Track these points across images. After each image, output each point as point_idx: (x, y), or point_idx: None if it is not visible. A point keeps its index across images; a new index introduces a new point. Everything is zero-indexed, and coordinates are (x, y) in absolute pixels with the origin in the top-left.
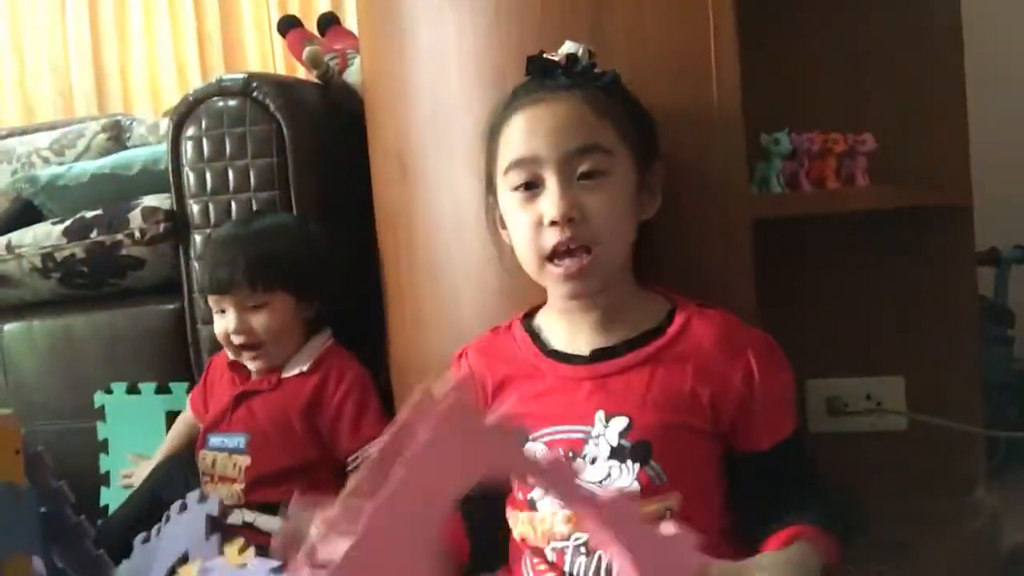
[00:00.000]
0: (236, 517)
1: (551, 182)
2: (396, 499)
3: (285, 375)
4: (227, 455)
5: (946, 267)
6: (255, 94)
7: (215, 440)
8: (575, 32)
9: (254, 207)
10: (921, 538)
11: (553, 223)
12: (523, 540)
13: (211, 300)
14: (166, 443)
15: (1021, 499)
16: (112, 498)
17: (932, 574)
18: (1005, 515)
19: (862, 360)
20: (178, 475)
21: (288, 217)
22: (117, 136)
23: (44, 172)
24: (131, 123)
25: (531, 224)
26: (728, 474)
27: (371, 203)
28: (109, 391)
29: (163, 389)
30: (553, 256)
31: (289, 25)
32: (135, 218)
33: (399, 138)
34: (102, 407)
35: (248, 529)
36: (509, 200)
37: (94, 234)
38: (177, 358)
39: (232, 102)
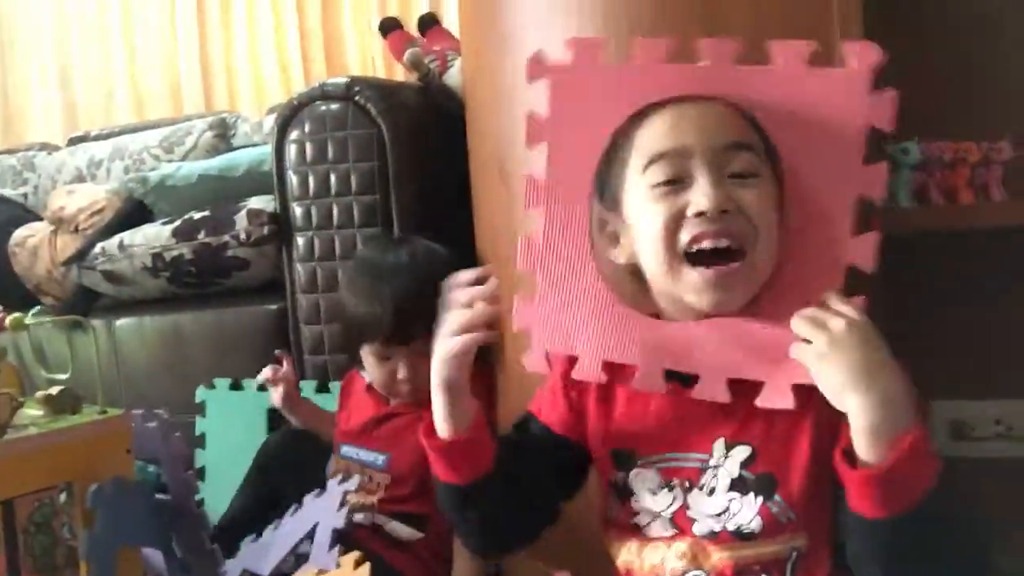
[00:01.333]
0: (366, 518)
1: (701, 174)
2: None
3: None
4: (361, 468)
5: None
6: (357, 98)
7: (350, 451)
8: None
9: (355, 211)
10: None
11: (700, 214)
12: (628, 572)
13: (374, 348)
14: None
15: None
16: (207, 492)
17: None
18: None
19: (991, 382)
20: (290, 463)
21: (438, 249)
22: (223, 134)
23: (154, 173)
24: (236, 121)
25: (669, 217)
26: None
27: (464, 208)
28: (212, 386)
29: (265, 387)
30: (696, 259)
31: (390, 27)
32: (240, 220)
33: (500, 145)
34: (203, 402)
35: (374, 532)
36: (645, 198)
37: (201, 235)
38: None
39: (335, 106)
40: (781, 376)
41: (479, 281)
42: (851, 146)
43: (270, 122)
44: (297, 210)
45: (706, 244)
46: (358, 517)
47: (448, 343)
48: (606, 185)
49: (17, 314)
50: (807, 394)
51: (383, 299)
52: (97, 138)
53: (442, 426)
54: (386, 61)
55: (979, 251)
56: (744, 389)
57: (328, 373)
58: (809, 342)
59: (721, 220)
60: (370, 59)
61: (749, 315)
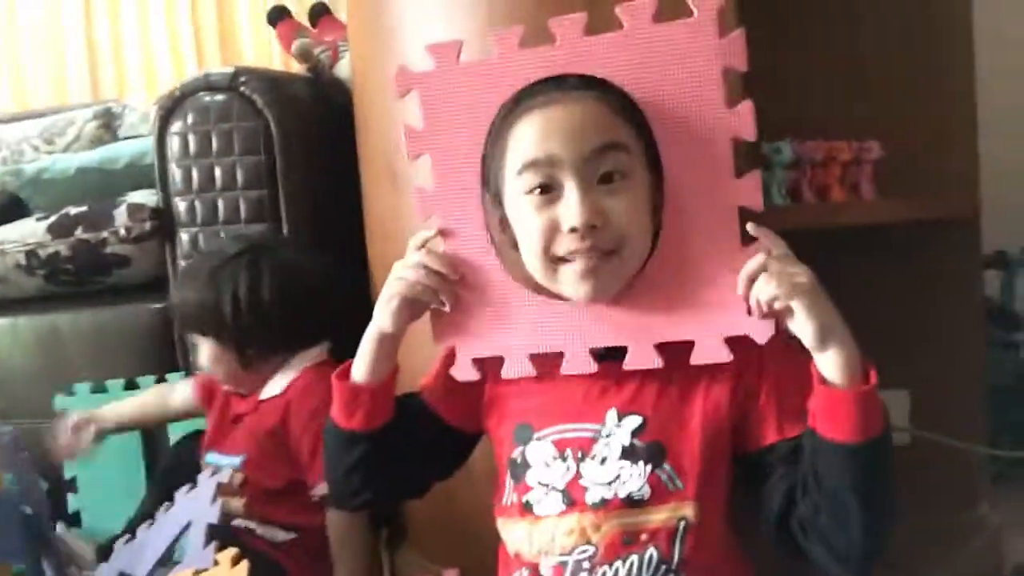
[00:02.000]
0: (237, 523)
1: (570, 186)
2: None
3: (261, 397)
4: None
5: (951, 280)
6: (243, 89)
7: (212, 458)
8: None
9: (241, 206)
10: (924, 554)
11: (573, 230)
12: (517, 556)
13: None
14: (129, 407)
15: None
16: (82, 504)
17: None
18: (1009, 531)
19: None
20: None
21: (205, 262)
22: (108, 124)
23: (29, 166)
24: (123, 110)
25: (545, 229)
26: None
27: (355, 203)
28: (72, 392)
29: (132, 385)
30: (567, 256)
31: (279, 16)
32: (120, 215)
33: (389, 143)
34: (64, 411)
35: (248, 533)
36: (521, 203)
37: (79, 232)
38: (164, 356)
39: (219, 97)
40: (710, 332)
41: None
42: (713, 89)
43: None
44: (181, 205)
45: (578, 259)
46: (236, 522)
47: (386, 288)
48: (490, 184)
49: None
50: (734, 344)
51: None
52: None
53: (359, 369)
54: (283, 56)
55: (850, 243)
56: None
57: None
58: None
59: (590, 235)
60: (266, 45)
61: (656, 282)
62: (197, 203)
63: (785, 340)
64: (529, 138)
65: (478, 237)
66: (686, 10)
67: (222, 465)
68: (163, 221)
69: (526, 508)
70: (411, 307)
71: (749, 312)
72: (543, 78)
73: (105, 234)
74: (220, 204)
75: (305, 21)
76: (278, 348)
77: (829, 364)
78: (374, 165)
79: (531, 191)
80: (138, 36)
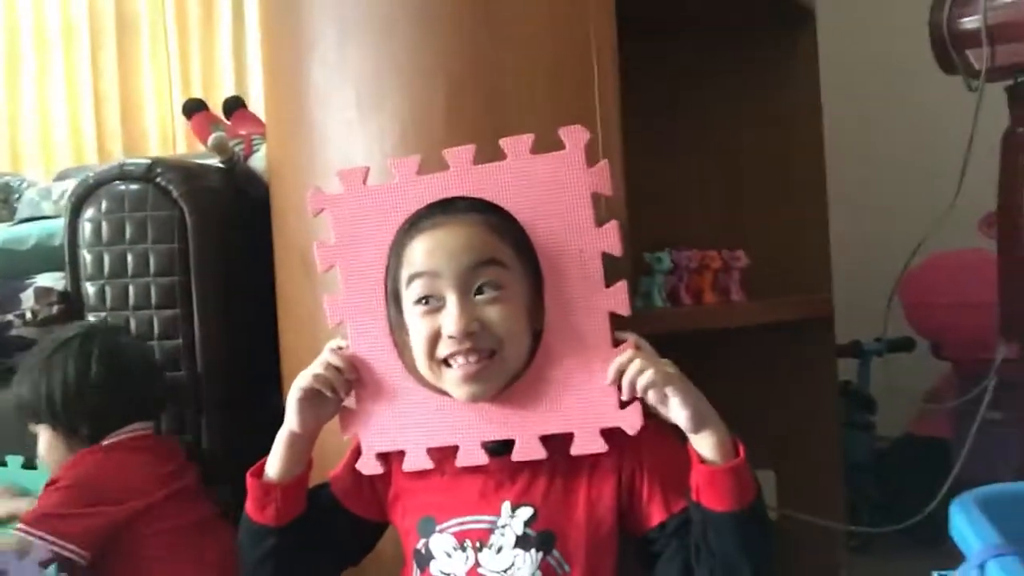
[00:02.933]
0: None
1: (450, 298)
2: None
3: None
4: None
5: (810, 370)
6: (158, 180)
7: None
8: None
9: (152, 292)
10: None
11: (451, 337)
12: None
13: None
14: None
15: None
16: None
17: None
18: None
19: None
20: None
21: (45, 347)
22: (6, 199)
23: None
24: (21, 184)
25: (429, 336)
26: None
27: (270, 291)
28: (3, 463)
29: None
30: (449, 359)
31: (195, 108)
32: (27, 298)
33: (304, 235)
34: None
35: None
36: (412, 312)
37: None
38: None
39: (134, 186)
40: (587, 424)
41: None
42: (583, 211)
43: (59, 188)
44: (90, 289)
45: (458, 360)
46: None
47: (294, 385)
48: (391, 293)
49: None
50: (610, 436)
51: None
52: None
53: (272, 467)
54: (187, 134)
55: (721, 343)
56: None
57: None
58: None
59: (468, 340)
60: (169, 127)
61: (537, 380)
62: (107, 288)
63: (656, 424)
64: (418, 254)
65: (382, 340)
66: (560, 143)
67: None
68: (70, 305)
69: None
70: (313, 403)
71: (621, 405)
72: (437, 201)
73: (10, 317)
74: (131, 289)
75: (219, 113)
76: (108, 429)
77: (705, 444)
78: (289, 255)
79: (418, 301)
80: (36, 109)
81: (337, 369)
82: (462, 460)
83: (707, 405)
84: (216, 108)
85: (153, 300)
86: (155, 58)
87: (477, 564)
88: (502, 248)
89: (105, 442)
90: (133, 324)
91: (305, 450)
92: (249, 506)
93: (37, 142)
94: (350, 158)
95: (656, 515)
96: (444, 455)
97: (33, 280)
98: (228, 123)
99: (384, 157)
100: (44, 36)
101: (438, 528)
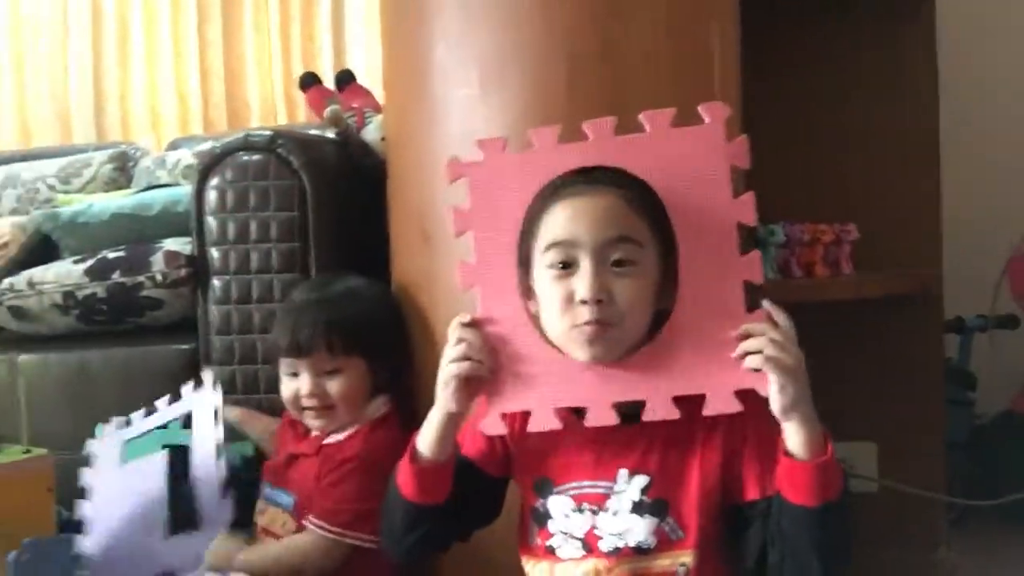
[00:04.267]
0: None
1: (585, 264)
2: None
3: (326, 441)
4: (278, 510)
5: (916, 343)
6: (280, 151)
7: (268, 492)
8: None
9: (274, 257)
10: None
11: (583, 301)
12: None
13: (284, 363)
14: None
15: (977, 553)
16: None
17: None
18: (965, 572)
19: (836, 427)
20: None
21: (361, 281)
22: (123, 167)
23: (65, 209)
24: (136, 152)
25: (563, 299)
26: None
27: (387, 261)
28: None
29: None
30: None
31: (310, 82)
32: (157, 262)
33: (422, 203)
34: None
35: None
36: (544, 276)
37: (116, 275)
38: None
39: (257, 157)
40: (721, 386)
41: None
42: (721, 183)
43: (173, 157)
44: (215, 254)
45: (584, 327)
46: None
47: (442, 371)
48: (523, 257)
49: None
50: (745, 398)
51: (287, 312)
52: None
53: (431, 448)
54: (286, 92)
55: (830, 315)
56: (647, 427)
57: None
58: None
59: (597, 307)
60: (270, 99)
61: (671, 345)
62: (231, 253)
63: (765, 403)
64: (558, 221)
65: (512, 303)
66: (699, 118)
67: (279, 502)
68: (197, 268)
69: (549, 551)
70: (467, 385)
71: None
72: (576, 171)
73: (141, 278)
74: (253, 255)
75: (332, 87)
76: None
77: (793, 437)
78: (406, 225)
79: (552, 266)
80: (145, 79)
81: (481, 350)
82: (592, 420)
83: (807, 400)
84: (327, 82)
85: (274, 265)
86: (258, 31)
87: (594, 527)
88: (639, 225)
89: (384, 411)
90: (256, 287)
91: (459, 427)
92: (408, 488)
93: (146, 113)
94: (471, 131)
95: (751, 491)
96: (567, 420)
97: (161, 245)
98: (340, 96)
99: (505, 132)
100: (153, 9)
101: (556, 489)
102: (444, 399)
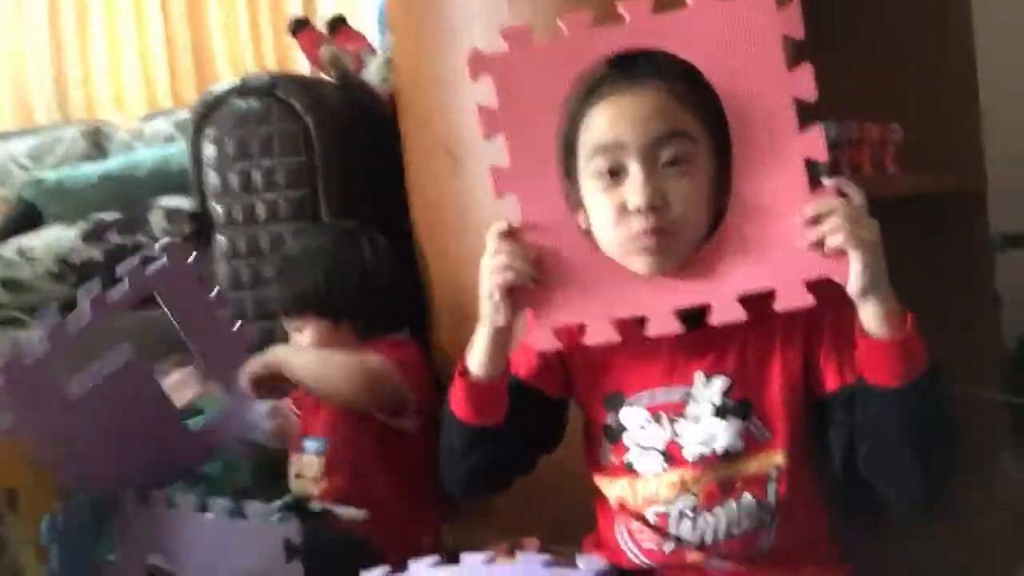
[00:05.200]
0: (314, 506)
1: (635, 169)
2: None
3: None
4: (310, 457)
5: (963, 249)
6: (280, 94)
7: (306, 443)
8: None
9: (281, 207)
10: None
11: (637, 210)
12: (621, 506)
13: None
14: None
15: None
16: None
17: (963, 535)
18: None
19: None
20: None
21: (321, 241)
22: (97, 142)
23: (48, 174)
24: (109, 128)
25: (614, 209)
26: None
27: (392, 200)
28: None
29: None
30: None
31: (301, 26)
32: (156, 219)
33: (448, 130)
34: None
35: (328, 516)
36: (591, 186)
37: (113, 236)
38: None
39: (256, 102)
40: (790, 279)
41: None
42: (775, 55)
43: (152, 128)
44: (218, 207)
45: (640, 237)
46: (313, 505)
47: (483, 283)
48: (567, 168)
49: None
50: (815, 285)
51: (278, 272)
52: None
53: (482, 366)
54: (258, 65)
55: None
56: (719, 327)
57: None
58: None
59: (652, 215)
60: (240, 67)
61: (730, 241)
62: (235, 205)
63: (841, 289)
64: (600, 125)
65: (555, 207)
66: None
67: (308, 448)
68: (201, 224)
69: (627, 467)
70: (511, 296)
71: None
72: (614, 65)
73: (142, 238)
74: (259, 205)
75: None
76: (384, 324)
77: (869, 315)
78: (429, 152)
79: (600, 173)
80: (107, 56)
81: (524, 256)
82: (654, 329)
83: (884, 276)
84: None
85: (283, 213)
86: (223, 3)
87: (675, 436)
88: (688, 117)
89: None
90: (264, 238)
91: (508, 341)
92: (462, 409)
93: (110, 91)
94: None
95: (830, 382)
96: (627, 326)
97: (156, 203)
98: (333, 40)
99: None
100: None
101: (628, 402)
102: (489, 313)
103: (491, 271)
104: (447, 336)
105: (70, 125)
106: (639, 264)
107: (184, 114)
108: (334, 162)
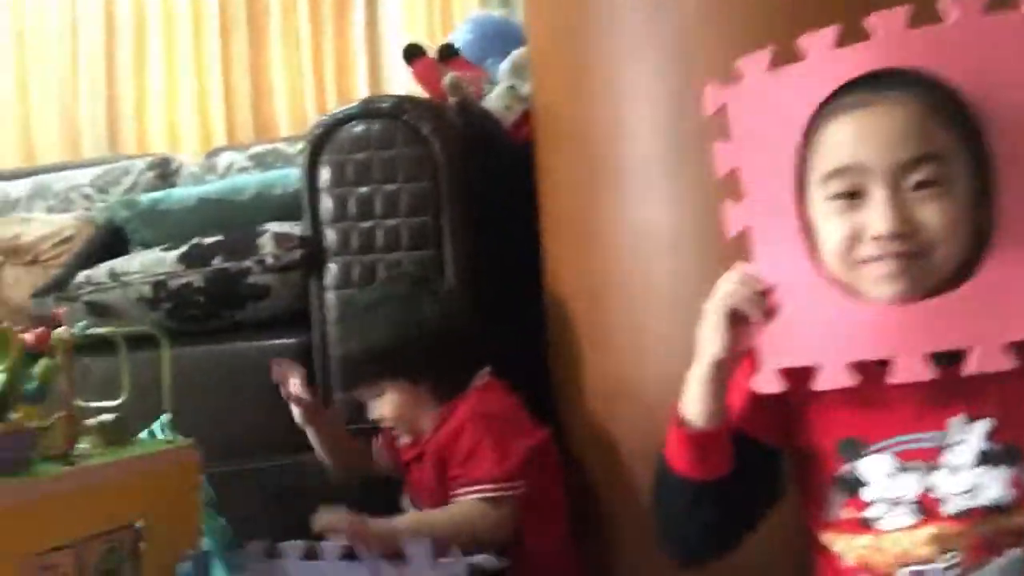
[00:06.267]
0: None
1: (878, 193)
2: None
3: (426, 440)
4: None
5: None
6: (407, 117)
7: (405, 503)
8: None
9: (403, 234)
10: None
11: (876, 239)
12: (865, 567)
13: None
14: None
15: None
16: None
17: None
18: None
19: None
20: None
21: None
22: (164, 174)
23: (144, 196)
24: (178, 162)
25: (848, 235)
26: None
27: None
28: None
29: None
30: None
31: (416, 53)
32: (266, 244)
33: (610, 151)
34: None
35: None
36: (824, 209)
37: (217, 260)
38: None
39: (380, 124)
40: None
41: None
42: None
43: (224, 160)
44: (331, 234)
45: (883, 262)
46: None
47: (705, 316)
48: (799, 176)
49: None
50: None
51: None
52: (11, 177)
53: (701, 412)
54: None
55: None
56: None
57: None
58: None
59: (896, 242)
60: (302, 112)
61: (999, 276)
62: (352, 231)
63: None
64: (839, 144)
65: (791, 241)
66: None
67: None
68: (312, 250)
69: (865, 524)
70: (735, 324)
71: None
72: (856, 77)
73: (248, 263)
74: (378, 232)
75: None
76: (461, 379)
77: None
78: (575, 178)
79: (837, 196)
80: (163, 93)
81: (752, 282)
82: (901, 375)
83: None
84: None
85: (403, 242)
86: (286, 43)
87: (929, 488)
88: (942, 137)
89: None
90: (382, 269)
91: (726, 379)
92: (684, 463)
93: (164, 127)
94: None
95: None
96: (863, 368)
97: (265, 228)
98: (447, 68)
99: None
100: (172, 18)
101: (870, 449)
102: (708, 340)
103: (718, 296)
104: (586, 378)
105: (132, 158)
106: (877, 290)
107: (260, 148)
108: (458, 190)
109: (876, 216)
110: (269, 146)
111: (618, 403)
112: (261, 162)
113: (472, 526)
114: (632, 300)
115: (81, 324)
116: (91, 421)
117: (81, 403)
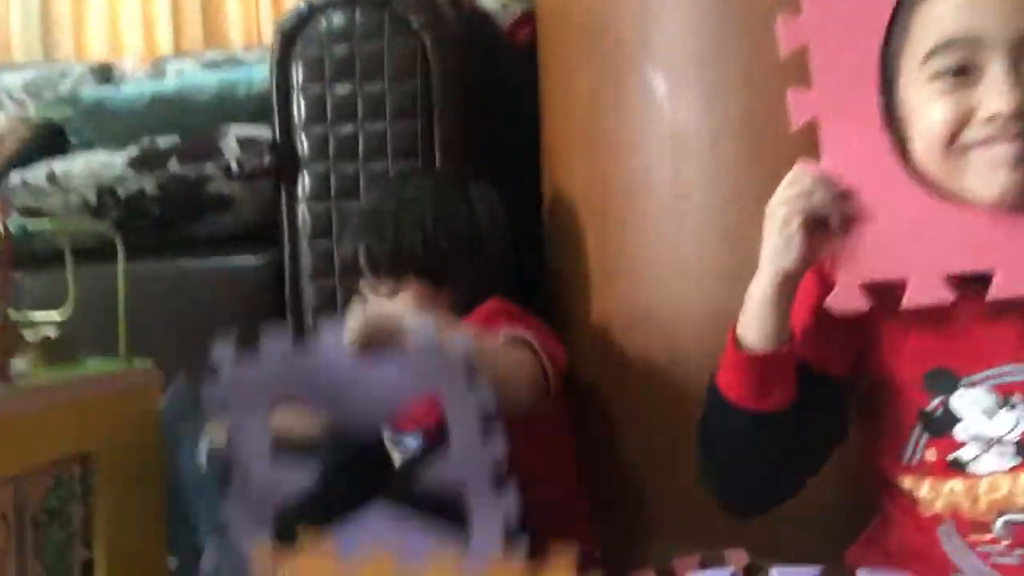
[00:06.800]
0: None
1: (996, 67)
2: None
3: None
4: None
5: None
6: (394, 4)
7: (394, 438)
8: None
9: (388, 140)
10: None
11: (990, 119)
12: (954, 514)
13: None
14: None
15: None
16: None
17: None
18: None
19: None
20: None
21: (427, 188)
22: (108, 79)
23: (86, 92)
24: (123, 65)
25: (953, 119)
26: None
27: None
28: None
29: None
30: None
31: None
32: (230, 148)
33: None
34: None
35: None
36: (924, 92)
37: (173, 165)
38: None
39: (362, 13)
40: None
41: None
42: None
43: (174, 67)
44: (304, 139)
45: (997, 144)
46: None
47: (773, 213)
48: (885, 63)
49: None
50: None
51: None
52: None
53: (765, 334)
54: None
55: None
56: None
57: None
58: None
59: (1017, 126)
60: (255, 26)
61: None
62: (330, 136)
63: None
64: (945, 13)
65: (872, 136)
66: None
67: (406, 446)
68: (283, 156)
69: (955, 466)
70: (810, 232)
71: None
72: None
73: (209, 169)
74: (360, 137)
75: None
76: (481, 291)
77: None
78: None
79: (942, 73)
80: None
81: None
82: (1005, 289)
83: None
84: None
85: (389, 148)
86: None
87: None
88: None
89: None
90: (364, 177)
91: (793, 298)
92: (741, 391)
93: (105, 36)
94: None
95: None
96: (962, 284)
97: (227, 130)
98: None
99: None
100: None
101: (964, 381)
102: (776, 250)
103: (786, 200)
104: (584, 312)
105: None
106: (986, 185)
107: (213, 55)
108: (452, 90)
109: (993, 93)
110: (225, 52)
111: (633, 334)
112: (216, 71)
113: (518, 364)
114: (660, 213)
115: (17, 221)
116: (30, 335)
117: (16, 314)
